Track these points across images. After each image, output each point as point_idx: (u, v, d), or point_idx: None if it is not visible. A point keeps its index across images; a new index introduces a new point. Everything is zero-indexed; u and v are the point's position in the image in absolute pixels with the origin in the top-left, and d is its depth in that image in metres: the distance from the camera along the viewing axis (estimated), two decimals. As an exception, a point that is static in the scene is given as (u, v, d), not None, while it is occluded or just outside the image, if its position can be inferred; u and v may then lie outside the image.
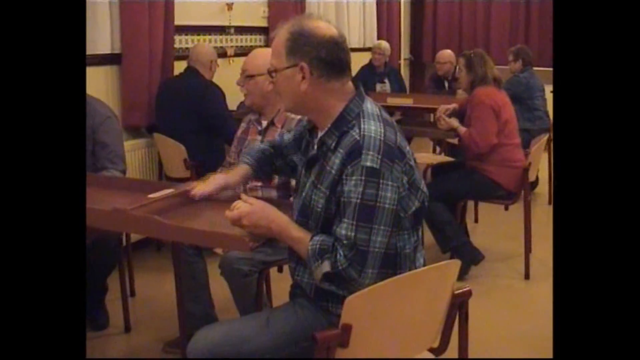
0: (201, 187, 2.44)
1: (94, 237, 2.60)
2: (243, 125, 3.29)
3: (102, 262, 3.45)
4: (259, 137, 3.11)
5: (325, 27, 2.03)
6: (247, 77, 3.10)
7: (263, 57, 3.05)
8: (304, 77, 2.00)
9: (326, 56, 2.00)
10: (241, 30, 5.92)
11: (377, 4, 8.38)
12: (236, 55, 5.72)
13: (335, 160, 1.97)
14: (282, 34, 2.04)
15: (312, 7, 6.91)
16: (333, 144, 2.01)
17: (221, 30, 5.66)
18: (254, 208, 2.07)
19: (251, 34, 6.12)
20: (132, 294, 3.93)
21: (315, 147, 2.10)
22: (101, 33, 4.43)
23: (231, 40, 5.78)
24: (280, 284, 3.41)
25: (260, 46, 6.22)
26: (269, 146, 2.51)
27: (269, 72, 2.11)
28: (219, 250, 2.98)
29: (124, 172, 3.42)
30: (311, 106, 2.07)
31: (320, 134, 2.09)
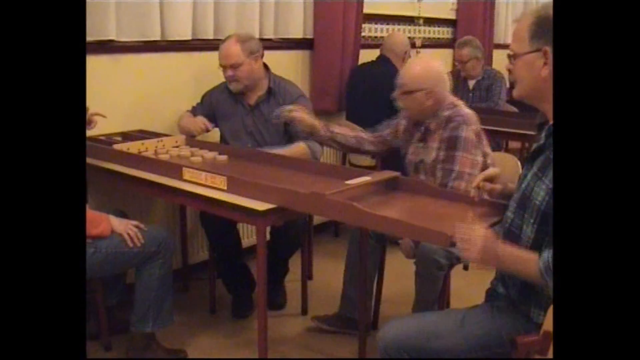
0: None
1: (287, 218, 2.63)
2: None
3: (288, 243, 3.53)
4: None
5: None
6: (404, 92, 2.97)
7: (419, 71, 2.96)
8: (545, 63, 1.89)
9: None
10: (430, 21, 5.85)
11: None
12: (424, 46, 5.67)
13: None
14: (526, 17, 1.93)
15: (501, 6, 6.76)
16: None
17: (410, 21, 5.62)
18: (482, 246, 1.93)
19: (439, 26, 6.05)
20: (310, 277, 3.98)
21: (543, 137, 1.98)
22: (295, 18, 4.50)
23: (419, 31, 5.73)
24: (460, 281, 3.36)
25: (448, 39, 6.13)
26: None
27: (508, 56, 2.01)
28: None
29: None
30: (548, 95, 1.91)
31: (549, 125, 1.97)
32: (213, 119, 3.62)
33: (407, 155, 3.08)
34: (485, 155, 2.92)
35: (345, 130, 3.25)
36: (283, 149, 3.28)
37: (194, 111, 3.66)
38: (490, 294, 2.17)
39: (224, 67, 3.45)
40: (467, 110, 2.95)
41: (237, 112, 3.53)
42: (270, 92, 3.50)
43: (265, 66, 3.57)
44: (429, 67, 2.99)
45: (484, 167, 2.87)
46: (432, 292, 2.90)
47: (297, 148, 3.34)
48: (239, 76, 3.44)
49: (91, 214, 2.77)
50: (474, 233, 1.94)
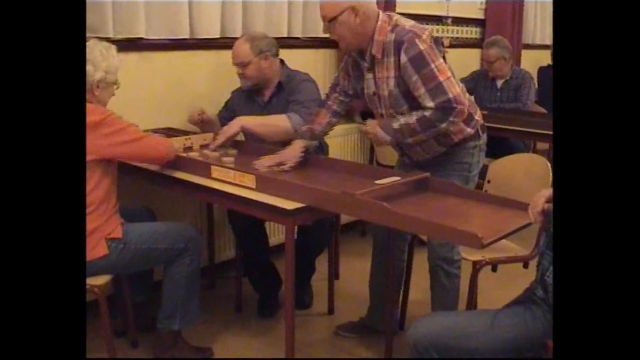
0: None
1: (316, 218, 2.62)
2: None
3: (316, 242, 3.52)
4: None
5: None
6: (329, 22, 2.74)
7: None
8: None
9: None
10: (458, 21, 5.81)
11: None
12: (452, 46, 5.63)
13: None
14: None
15: (529, 5, 6.70)
16: None
17: (438, 20, 5.59)
18: None
19: (467, 26, 6.01)
20: (336, 276, 3.97)
21: None
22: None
23: (448, 30, 5.70)
24: (488, 283, 3.34)
25: (476, 39, 6.09)
26: None
27: None
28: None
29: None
30: None
31: None
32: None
33: (363, 89, 2.94)
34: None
35: (320, 122, 3.11)
36: (262, 117, 3.31)
37: (220, 114, 3.68)
38: (528, 296, 2.15)
39: (236, 65, 3.47)
40: (410, 22, 2.74)
41: (253, 110, 3.54)
42: (280, 86, 3.50)
43: (282, 62, 3.57)
44: None
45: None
46: (452, 293, 2.91)
47: (277, 117, 3.29)
48: (246, 74, 3.45)
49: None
50: None
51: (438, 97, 2.62)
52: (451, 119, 2.62)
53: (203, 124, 3.61)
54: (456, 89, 2.63)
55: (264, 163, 2.86)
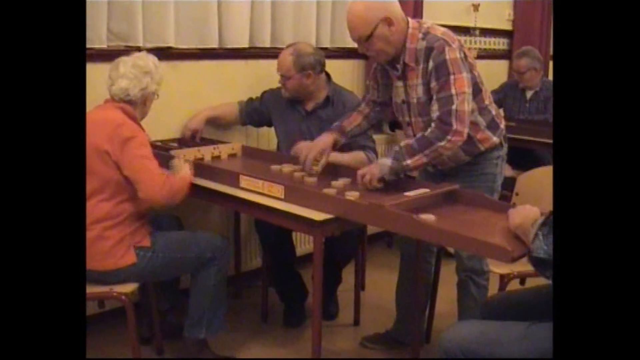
0: None
1: (344, 229, 2.61)
2: None
3: (343, 253, 3.51)
4: None
5: None
6: (365, 41, 2.70)
7: (363, 8, 2.68)
8: None
9: None
10: (485, 32, 5.79)
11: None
12: (479, 57, 5.60)
13: None
14: None
15: (558, 14, 6.64)
16: None
17: (466, 31, 5.57)
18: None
19: (495, 37, 5.97)
20: (362, 287, 3.96)
21: None
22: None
23: (475, 42, 5.67)
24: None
25: (504, 50, 6.06)
26: None
27: None
28: None
29: (374, 149, 3.43)
30: None
31: None
32: (267, 118, 3.66)
33: (392, 98, 2.93)
34: (471, 69, 2.73)
35: (351, 121, 3.08)
36: (342, 155, 3.23)
37: (250, 103, 3.71)
38: None
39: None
40: (441, 30, 2.74)
41: (293, 117, 3.54)
42: (328, 99, 3.49)
43: (327, 75, 3.56)
44: None
45: (474, 80, 2.73)
46: (475, 302, 2.92)
47: (357, 156, 3.31)
48: (286, 86, 3.46)
49: (174, 184, 2.74)
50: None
51: (443, 106, 2.61)
52: (449, 137, 2.59)
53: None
54: (465, 106, 2.61)
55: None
